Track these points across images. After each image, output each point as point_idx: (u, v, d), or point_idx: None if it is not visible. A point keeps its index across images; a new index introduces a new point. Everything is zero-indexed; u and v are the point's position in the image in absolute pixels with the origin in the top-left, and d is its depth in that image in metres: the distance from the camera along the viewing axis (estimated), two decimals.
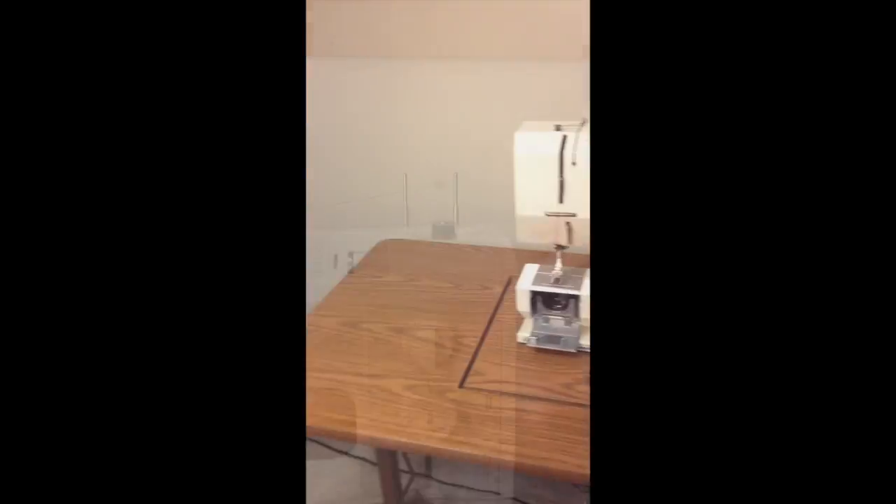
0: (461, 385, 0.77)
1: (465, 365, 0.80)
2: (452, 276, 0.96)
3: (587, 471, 0.61)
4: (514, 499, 1.10)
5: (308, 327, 0.85)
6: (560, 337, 0.81)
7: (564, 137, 0.72)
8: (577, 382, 0.77)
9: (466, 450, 0.67)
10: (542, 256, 0.82)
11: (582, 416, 0.70)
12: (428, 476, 1.16)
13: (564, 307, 0.82)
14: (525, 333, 0.83)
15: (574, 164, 0.71)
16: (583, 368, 0.79)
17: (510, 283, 0.95)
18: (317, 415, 0.71)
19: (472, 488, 1.12)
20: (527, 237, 0.77)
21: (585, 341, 0.82)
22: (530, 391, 0.75)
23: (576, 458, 0.64)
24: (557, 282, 0.81)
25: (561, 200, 0.73)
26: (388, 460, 1.05)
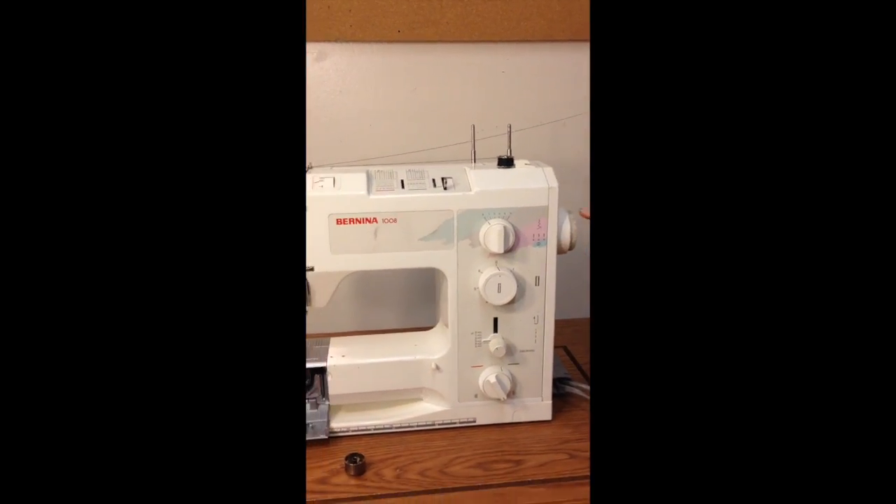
0: None
1: None
2: None
3: None
4: None
5: None
6: (307, 424, 0.70)
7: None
8: (333, 475, 0.65)
9: None
10: None
11: None
12: None
13: (309, 386, 0.72)
14: None
15: None
16: (339, 457, 0.67)
17: None
18: None
19: None
20: None
21: (338, 423, 0.71)
22: None
23: None
24: None
25: None
26: None
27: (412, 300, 1.04)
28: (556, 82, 0.99)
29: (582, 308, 1.06)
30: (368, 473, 0.66)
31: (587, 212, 0.72)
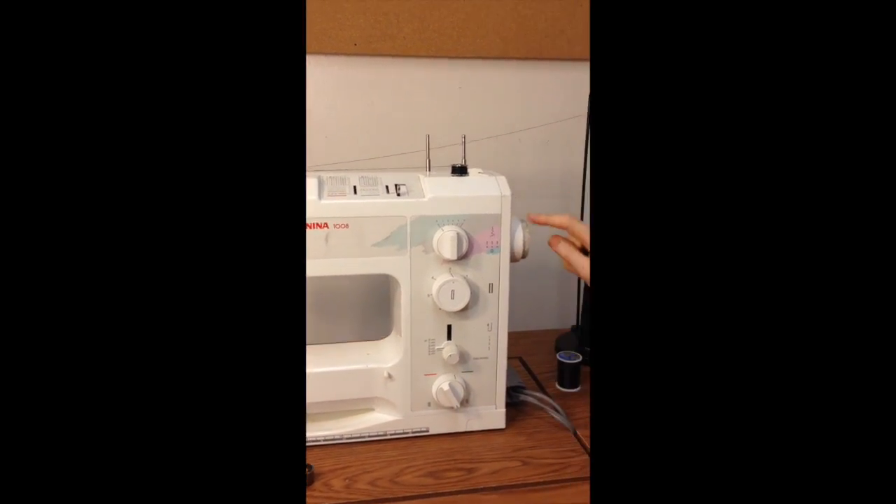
0: None
1: None
2: None
3: None
4: None
5: None
6: None
7: None
8: None
9: None
10: None
11: None
12: None
13: None
14: None
15: None
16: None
17: None
18: None
19: None
20: None
21: None
22: None
23: None
24: None
25: None
26: None
27: (367, 312, 1.03)
28: (511, 99, 1.00)
29: (538, 319, 1.06)
30: (317, 484, 0.64)
31: (535, 216, 0.73)
